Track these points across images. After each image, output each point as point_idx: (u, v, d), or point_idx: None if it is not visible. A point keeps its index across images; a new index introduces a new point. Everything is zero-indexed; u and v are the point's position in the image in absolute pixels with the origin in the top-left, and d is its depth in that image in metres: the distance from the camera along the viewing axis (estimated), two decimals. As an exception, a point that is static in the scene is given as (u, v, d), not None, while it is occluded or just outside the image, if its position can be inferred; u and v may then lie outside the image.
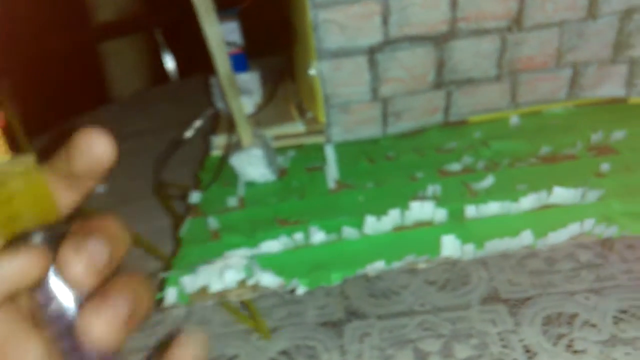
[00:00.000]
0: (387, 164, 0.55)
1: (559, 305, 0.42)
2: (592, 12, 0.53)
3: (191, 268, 0.43)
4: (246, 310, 0.46)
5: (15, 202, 0.20)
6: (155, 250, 0.44)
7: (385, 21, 0.53)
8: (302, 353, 0.43)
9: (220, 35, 0.49)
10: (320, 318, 0.46)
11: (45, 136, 1.01)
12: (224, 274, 0.41)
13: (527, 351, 0.39)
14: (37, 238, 0.19)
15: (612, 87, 0.58)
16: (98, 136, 0.20)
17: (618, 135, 0.53)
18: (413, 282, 0.47)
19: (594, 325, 0.40)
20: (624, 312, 0.41)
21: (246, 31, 0.69)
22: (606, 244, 0.47)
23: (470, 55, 0.55)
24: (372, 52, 0.55)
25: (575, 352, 0.38)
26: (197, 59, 0.69)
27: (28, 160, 0.21)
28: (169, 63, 1.40)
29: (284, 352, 0.43)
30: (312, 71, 0.56)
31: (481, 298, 0.44)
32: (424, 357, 0.40)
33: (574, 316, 0.41)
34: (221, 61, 0.50)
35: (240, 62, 0.68)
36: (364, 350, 0.42)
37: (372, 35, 0.54)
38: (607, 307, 0.42)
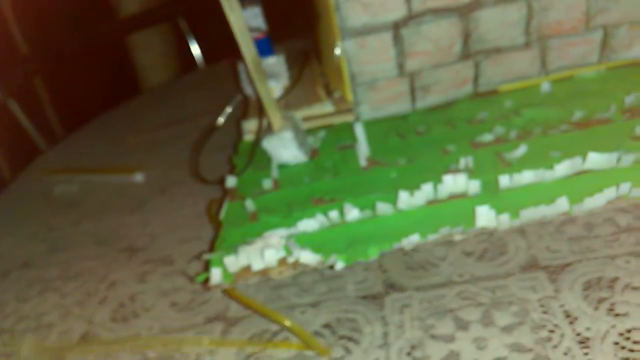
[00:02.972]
0: (418, 139, 0.56)
1: (599, 270, 0.42)
2: (622, -30, 0.52)
3: (233, 249, 0.44)
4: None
5: None
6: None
7: (408, -5, 0.53)
8: (344, 326, 0.44)
9: (244, 21, 0.49)
10: (360, 292, 0.47)
11: (83, 129, 1.04)
12: (264, 253, 0.42)
13: (568, 316, 0.39)
14: None
15: (646, 46, 0.56)
16: None
17: (653, 96, 0.51)
18: (450, 253, 0.48)
19: (635, 288, 0.40)
20: (665, 273, 0.41)
21: (269, 14, 0.69)
22: (645, 206, 0.47)
23: (497, 24, 0.54)
24: (396, 28, 0.55)
25: (617, 315, 0.38)
26: (221, 44, 0.70)
27: None
28: (195, 50, 1.42)
29: (327, 325, 0.44)
30: (338, 51, 0.56)
31: (520, 266, 0.44)
32: (465, 326, 0.41)
33: (614, 280, 0.41)
34: (247, 47, 0.51)
35: (265, 47, 0.69)
36: (405, 320, 0.43)
37: (396, 11, 0.54)
38: (648, 269, 0.41)
